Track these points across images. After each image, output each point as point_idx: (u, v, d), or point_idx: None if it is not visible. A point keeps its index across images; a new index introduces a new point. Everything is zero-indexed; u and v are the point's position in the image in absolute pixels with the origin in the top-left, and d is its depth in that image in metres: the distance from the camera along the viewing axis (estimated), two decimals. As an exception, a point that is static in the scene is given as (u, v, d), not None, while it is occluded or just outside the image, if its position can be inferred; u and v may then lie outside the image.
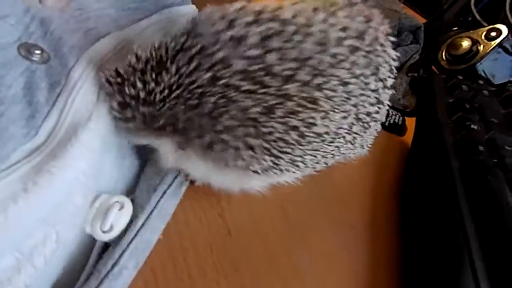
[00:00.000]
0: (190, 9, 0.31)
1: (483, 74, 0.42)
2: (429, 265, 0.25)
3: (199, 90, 0.18)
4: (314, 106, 0.19)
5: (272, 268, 0.24)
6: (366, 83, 0.22)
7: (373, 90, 0.23)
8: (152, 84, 0.18)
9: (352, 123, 0.23)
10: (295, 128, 0.19)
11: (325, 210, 0.29)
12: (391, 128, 0.39)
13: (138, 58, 0.19)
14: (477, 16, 0.45)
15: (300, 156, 0.21)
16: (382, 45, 0.23)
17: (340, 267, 0.26)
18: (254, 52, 0.17)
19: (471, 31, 0.43)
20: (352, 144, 0.25)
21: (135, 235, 0.19)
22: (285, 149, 0.20)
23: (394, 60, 0.25)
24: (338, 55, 0.19)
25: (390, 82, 0.25)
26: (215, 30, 0.18)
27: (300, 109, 0.19)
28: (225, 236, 0.24)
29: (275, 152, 0.20)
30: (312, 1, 0.21)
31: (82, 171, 0.17)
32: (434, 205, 0.28)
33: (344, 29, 0.20)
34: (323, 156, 0.23)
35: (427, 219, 0.28)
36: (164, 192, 0.22)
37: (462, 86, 0.36)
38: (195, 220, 0.24)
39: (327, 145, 0.22)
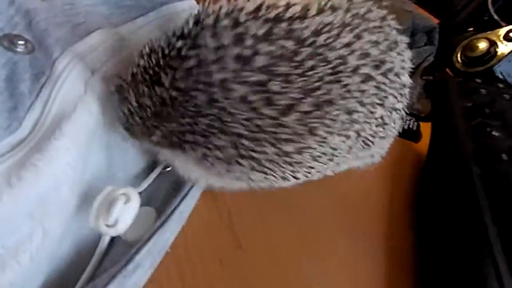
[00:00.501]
0: (188, 5, 0.29)
1: (501, 77, 0.40)
2: (451, 275, 0.24)
3: (194, 109, 0.16)
4: (310, 136, 0.17)
5: (285, 284, 0.23)
6: (372, 112, 0.20)
7: (378, 118, 0.21)
8: (145, 98, 0.17)
9: (350, 146, 0.21)
10: (287, 154, 0.17)
11: (339, 221, 0.28)
12: (406, 134, 0.37)
13: (134, 67, 0.18)
14: (495, 16, 0.43)
15: (293, 172, 0.20)
16: (396, 75, 0.21)
17: (355, 280, 0.25)
18: (258, 77, 0.15)
19: (488, 32, 0.42)
20: (357, 157, 0.24)
21: (154, 233, 0.18)
22: (275, 169, 0.18)
23: (405, 86, 0.23)
24: (349, 85, 0.18)
25: (399, 105, 0.23)
26: (219, 44, 0.15)
27: (294, 137, 0.17)
28: (236, 249, 0.24)
29: (264, 169, 0.18)
30: (343, 12, 0.18)
31: (68, 164, 0.17)
32: (454, 214, 0.27)
33: (364, 55, 0.18)
34: (318, 171, 0.22)
35: (447, 228, 0.27)
36: (187, 193, 0.21)
37: (480, 89, 0.34)
38: (203, 232, 0.23)
39: (322, 163, 0.20)
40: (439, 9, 0.53)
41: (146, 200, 0.22)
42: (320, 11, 0.17)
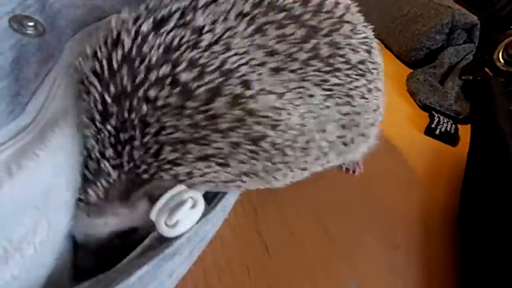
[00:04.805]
0: None
1: (548, 78, 0.37)
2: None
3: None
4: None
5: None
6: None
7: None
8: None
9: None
10: (237, 144, 0.17)
11: (370, 228, 0.27)
12: (443, 137, 0.35)
13: None
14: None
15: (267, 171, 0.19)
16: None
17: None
18: (162, 71, 0.16)
19: (535, 29, 0.39)
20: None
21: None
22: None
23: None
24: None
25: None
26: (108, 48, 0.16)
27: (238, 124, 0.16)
28: (263, 254, 0.23)
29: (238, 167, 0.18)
30: None
31: (73, 154, 0.16)
32: (502, 223, 0.25)
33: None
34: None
35: (493, 238, 0.25)
36: None
37: (526, 91, 0.32)
38: (230, 236, 0.23)
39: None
40: (480, 4, 0.49)
41: None
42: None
